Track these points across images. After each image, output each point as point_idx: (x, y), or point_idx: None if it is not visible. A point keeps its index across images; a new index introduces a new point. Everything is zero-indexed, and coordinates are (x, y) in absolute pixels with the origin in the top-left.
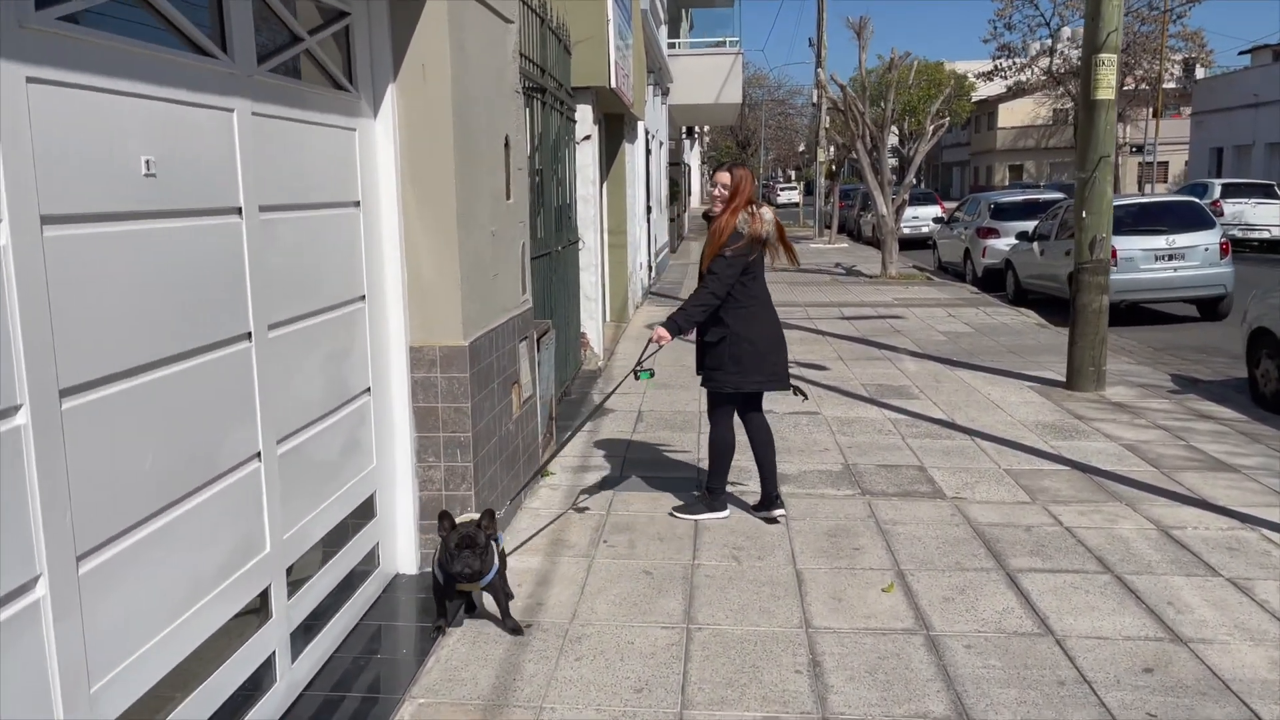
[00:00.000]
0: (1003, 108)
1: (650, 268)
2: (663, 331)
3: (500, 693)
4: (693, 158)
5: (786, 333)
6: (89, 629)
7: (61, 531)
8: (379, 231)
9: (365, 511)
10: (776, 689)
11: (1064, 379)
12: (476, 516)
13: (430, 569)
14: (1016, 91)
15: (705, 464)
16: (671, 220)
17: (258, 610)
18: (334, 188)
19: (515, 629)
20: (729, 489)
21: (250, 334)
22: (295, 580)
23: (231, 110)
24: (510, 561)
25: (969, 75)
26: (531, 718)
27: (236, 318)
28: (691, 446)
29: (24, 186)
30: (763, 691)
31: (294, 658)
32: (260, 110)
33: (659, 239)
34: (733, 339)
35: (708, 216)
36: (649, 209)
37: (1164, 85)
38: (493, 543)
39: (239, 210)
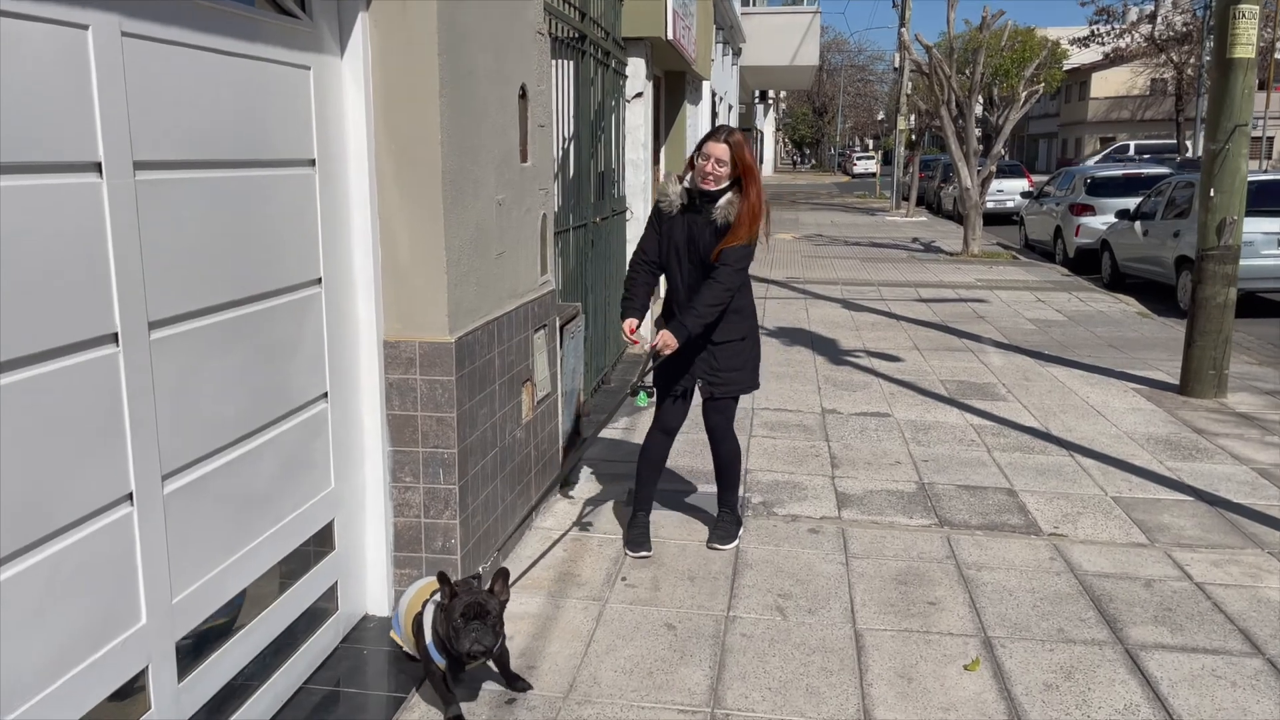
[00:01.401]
0: (1096, 77)
1: None
2: (669, 339)
3: None
4: (766, 124)
5: (856, 314)
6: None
7: None
8: (344, 199)
9: (319, 543)
10: None
11: (1176, 382)
12: (479, 577)
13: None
14: (1114, 59)
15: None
16: None
17: (134, 696)
18: (275, 140)
19: (520, 683)
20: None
21: (116, 336)
22: (197, 652)
23: (85, 27)
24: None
25: (1062, 41)
26: None
27: (91, 316)
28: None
29: None
30: None
31: None
32: (136, 30)
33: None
34: (753, 335)
35: (696, 195)
36: None
37: (1275, 55)
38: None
39: (97, 166)
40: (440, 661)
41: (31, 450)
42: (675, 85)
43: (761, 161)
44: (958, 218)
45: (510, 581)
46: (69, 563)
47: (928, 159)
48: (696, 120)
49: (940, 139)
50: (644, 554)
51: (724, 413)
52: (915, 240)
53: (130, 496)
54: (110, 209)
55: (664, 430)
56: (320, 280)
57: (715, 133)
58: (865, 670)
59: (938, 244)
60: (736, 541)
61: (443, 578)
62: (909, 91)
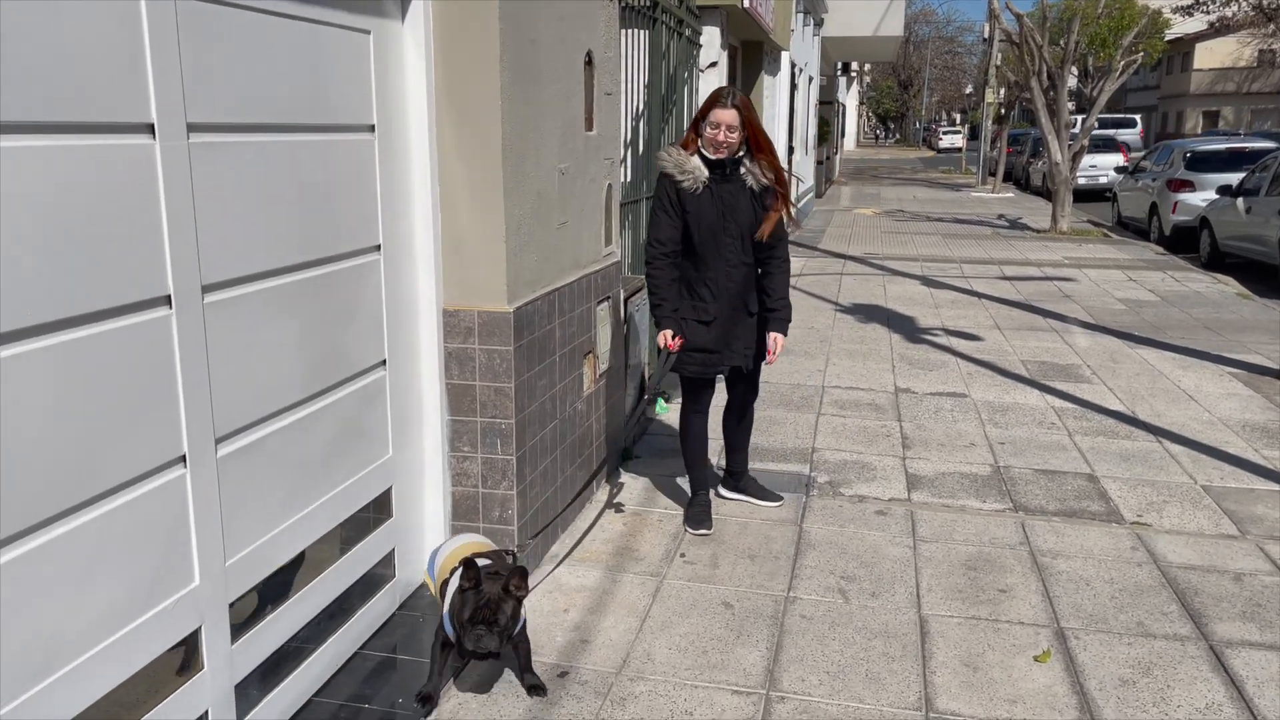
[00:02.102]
0: (1200, 47)
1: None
2: (782, 341)
3: None
4: (848, 97)
5: (936, 291)
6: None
7: None
8: (405, 166)
9: (377, 511)
10: None
11: (1277, 366)
12: (505, 555)
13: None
14: (1220, 28)
15: (816, 455)
16: (819, 163)
17: (186, 658)
18: (335, 105)
19: (536, 687)
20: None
21: (169, 299)
22: (250, 615)
23: None
24: (562, 575)
25: (1163, 10)
26: None
27: (145, 279)
28: (807, 432)
29: None
30: None
31: (245, 713)
32: None
33: (802, 183)
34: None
35: (727, 165)
36: (790, 150)
37: None
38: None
39: (150, 128)
40: (450, 633)
41: (82, 409)
42: (753, 56)
43: (843, 135)
44: (1046, 194)
45: (566, 555)
46: (120, 522)
47: (1016, 133)
48: (774, 92)
49: (1030, 112)
50: (704, 531)
51: (756, 379)
52: (1001, 217)
53: (183, 459)
54: (163, 171)
55: (699, 411)
56: (379, 247)
57: (720, 97)
58: (929, 657)
59: (1024, 221)
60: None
61: (469, 564)
62: (998, 63)
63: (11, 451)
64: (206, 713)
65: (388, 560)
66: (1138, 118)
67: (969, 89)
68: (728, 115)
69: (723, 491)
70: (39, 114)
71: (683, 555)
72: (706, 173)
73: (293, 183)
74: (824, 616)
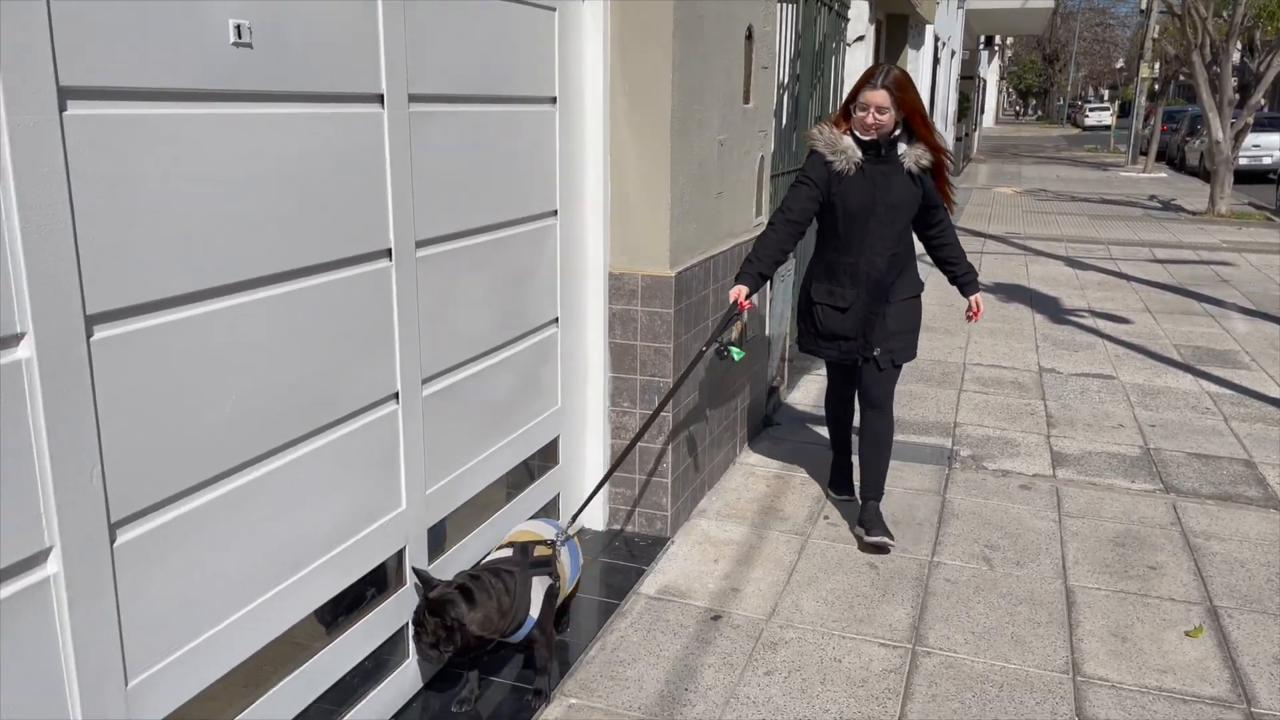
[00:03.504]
0: None
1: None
2: (981, 304)
3: (667, 705)
4: (989, 72)
5: (1081, 273)
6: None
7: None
8: (580, 136)
9: (546, 458)
10: None
11: None
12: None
13: (616, 527)
14: None
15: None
16: (957, 139)
17: (391, 576)
18: (523, 79)
19: (538, 691)
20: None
21: (390, 251)
22: (443, 540)
23: None
24: (710, 529)
25: None
26: None
27: (370, 232)
28: (949, 407)
29: (30, 47)
30: None
31: None
32: None
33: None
34: (920, 293)
35: (883, 145)
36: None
37: None
38: (536, 580)
39: (380, 98)
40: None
41: (321, 345)
42: (897, 29)
43: (982, 112)
44: (1203, 174)
45: (716, 512)
46: (348, 447)
47: (1172, 110)
48: (918, 66)
49: (1188, 89)
50: (846, 497)
51: (890, 382)
52: (1153, 198)
53: (396, 395)
54: (389, 137)
55: (841, 397)
56: (556, 212)
57: (870, 77)
58: (1075, 625)
59: (1178, 202)
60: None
61: (416, 571)
62: (1155, 35)
63: (272, 375)
64: (405, 626)
65: (553, 504)
66: None
67: (1120, 63)
68: (877, 97)
69: (830, 492)
70: (294, 84)
71: (826, 517)
72: (860, 154)
73: (488, 150)
74: (968, 581)
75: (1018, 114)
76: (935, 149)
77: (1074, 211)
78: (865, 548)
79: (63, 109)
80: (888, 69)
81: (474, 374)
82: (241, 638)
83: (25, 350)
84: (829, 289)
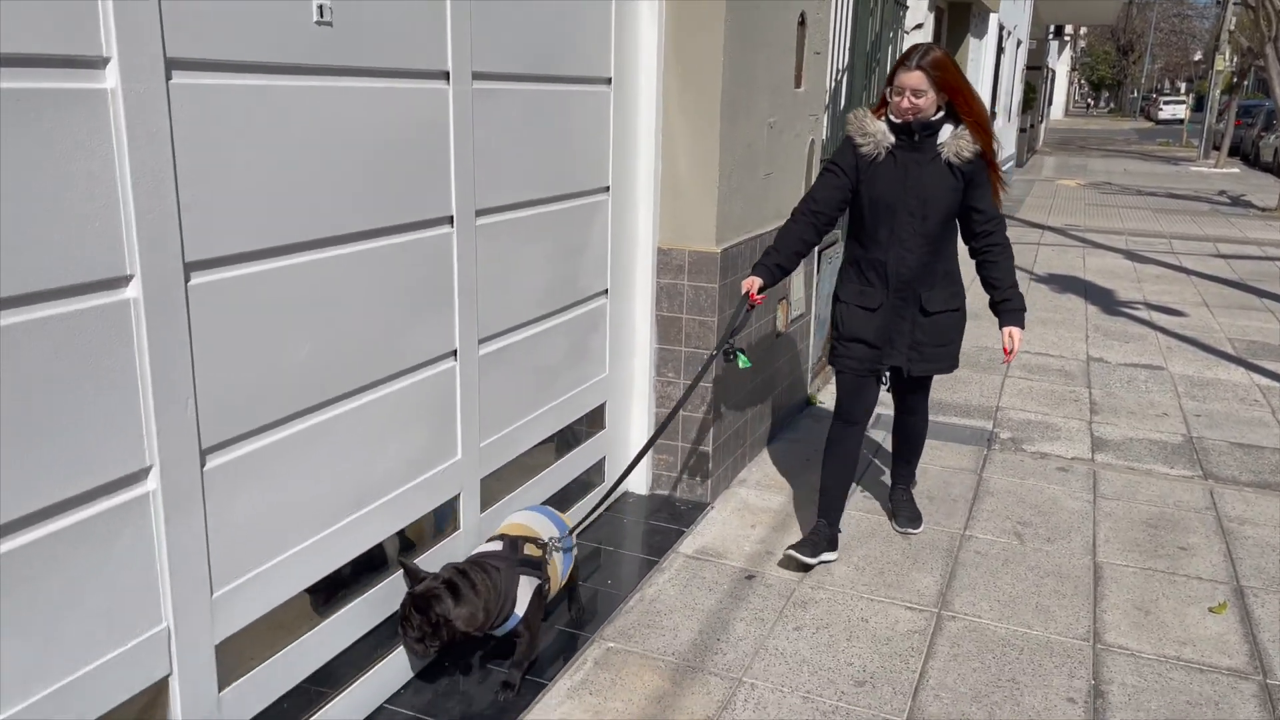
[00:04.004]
0: None
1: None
2: (1020, 335)
3: (699, 653)
4: (1059, 62)
5: (1139, 266)
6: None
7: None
8: (633, 116)
9: (593, 423)
10: (1038, 718)
11: None
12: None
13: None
14: None
15: (1000, 413)
16: (1022, 130)
17: (448, 521)
18: (580, 60)
19: (506, 683)
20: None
21: (451, 219)
22: (495, 492)
23: None
24: (749, 497)
25: None
26: (726, 690)
27: (434, 199)
28: (992, 392)
29: (143, 23)
30: (1018, 717)
31: None
32: None
33: (1002, 150)
34: (964, 306)
35: (917, 129)
36: (993, 115)
37: None
38: (524, 578)
39: (445, 75)
40: None
41: (387, 302)
42: (959, 17)
43: (1050, 103)
44: (1276, 170)
45: (752, 481)
46: (411, 397)
47: (1248, 104)
48: (980, 55)
49: (1265, 82)
50: (805, 559)
51: (925, 390)
52: (1222, 193)
53: (454, 353)
54: (454, 111)
55: (849, 420)
56: (608, 188)
57: (906, 58)
58: (1100, 598)
59: (1248, 198)
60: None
61: (404, 565)
62: (1231, 27)
63: (343, 326)
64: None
65: (599, 467)
66: None
67: (1198, 55)
68: (912, 78)
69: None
70: (370, 59)
71: (862, 490)
72: (891, 139)
73: (545, 126)
74: (998, 554)
75: (1088, 106)
76: (983, 136)
77: (1138, 205)
78: (896, 530)
79: (169, 78)
80: (926, 49)
81: (527, 338)
82: (310, 563)
83: (134, 290)
84: (859, 289)
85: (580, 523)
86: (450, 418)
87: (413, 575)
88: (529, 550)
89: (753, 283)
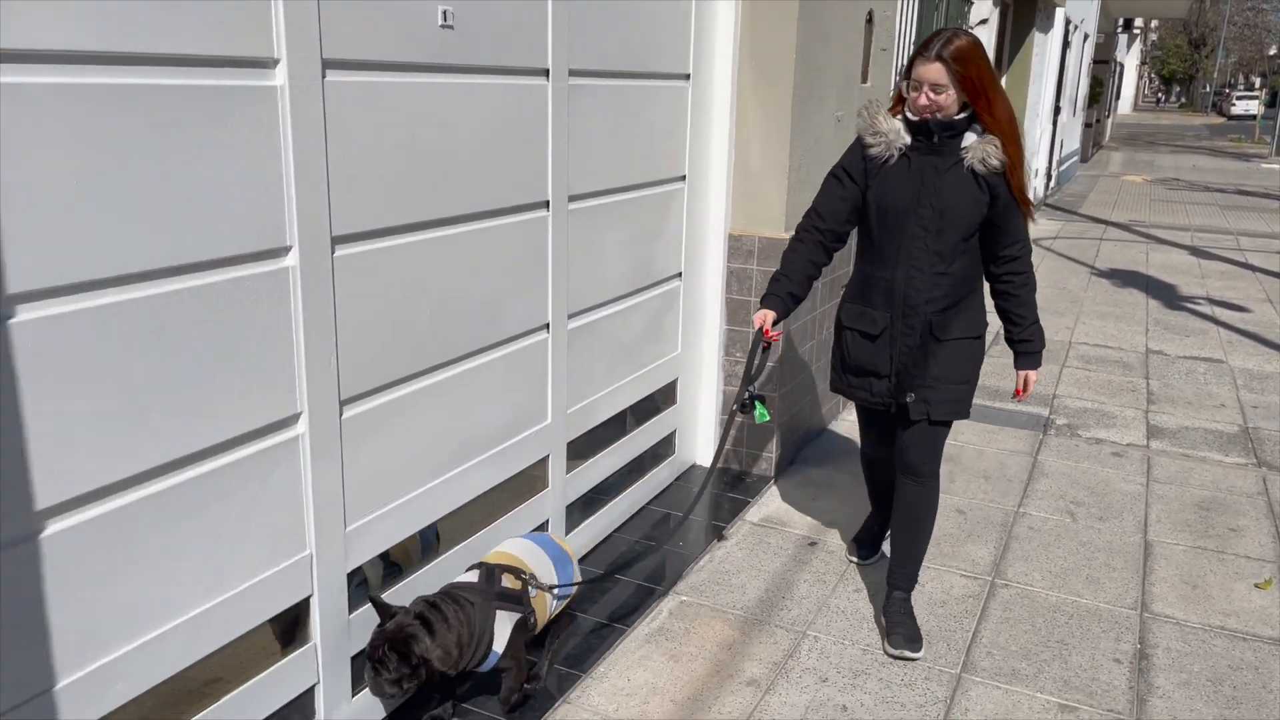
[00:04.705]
0: None
1: (1050, 175)
2: (1034, 377)
3: (766, 608)
4: (1128, 56)
5: (1204, 262)
6: None
7: (326, 374)
8: (708, 109)
9: (665, 397)
10: (1084, 674)
11: None
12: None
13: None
14: None
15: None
16: (1087, 125)
17: (536, 479)
18: (661, 57)
19: (507, 707)
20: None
21: (547, 203)
22: (578, 455)
23: None
24: (811, 471)
25: None
26: (791, 642)
27: (533, 185)
28: (1049, 381)
29: (305, 29)
30: (1065, 674)
31: (568, 530)
32: None
33: (1066, 144)
34: (983, 334)
35: (935, 129)
36: (1057, 110)
37: None
38: (501, 614)
39: (545, 73)
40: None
41: (491, 277)
42: (1025, 12)
43: (1118, 97)
44: None
45: (811, 462)
46: (508, 365)
47: None
48: (1045, 50)
49: None
50: (854, 559)
51: (934, 442)
52: None
53: (546, 326)
54: (552, 105)
55: (872, 455)
56: (684, 177)
57: (925, 46)
58: (1149, 573)
59: None
60: (923, 650)
61: (373, 599)
62: None
63: (456, 297)
64: (547, 521)
65: (669, 440)
66: None
67: (1273, 50)
68: (930, 71)
69: (850, 555)
70: (483, 59)
71: None
72: (906, 139)
73: (629, 119)
74: (1050, 530)
75: (1158, 101)
76: (1010, 144)
77: (1205, 201)
78: (889, 654)
79: (324, 76)
80: (949, 35)
81: (610, 315)
82: (424, 508)
83: (292, 259)
84: (860, 310)
85: (572, 586)
86: (542, 385)
87: (383, 610)
88: (507, 582)
89: (765, 316)
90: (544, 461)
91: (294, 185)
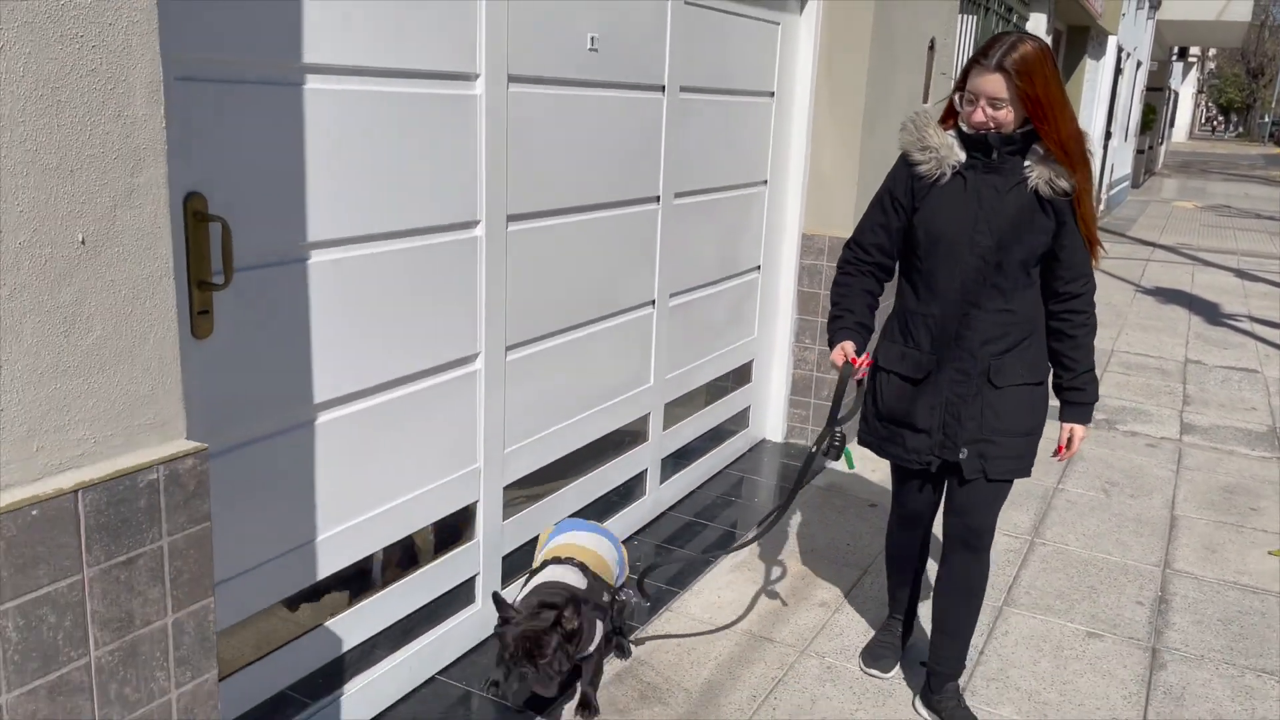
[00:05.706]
0: None
1: (1099, 200)
2: (1082, 432)
3: (833, 550)
4: (1183, 84)
5: (1248, 283)
6: None
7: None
8: (788, 123)
9: (741, 376)
10: (1110, 612)
11: None
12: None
13: (800, 445)
14: None
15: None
16: (1139, 152)
17: (638, 433)
18: (752, 77)
19: (585, 705)
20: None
21: (658, 198)
22: (672, 416)
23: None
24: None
25: None
26: (856, 575)
27: (648, 182)
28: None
29: (498, 50)
30: (1094, 610)
31: (662, 480)
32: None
33: (1117, 169)
34: (1046, 379)
35: (996, 146)
36: (1108, 135)
37: None
38: (594, 616)
39: (662, 88)
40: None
41: (612, 257)
42: (1077, 40)
43: (1172, 125)
44: None
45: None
46: (623, 332)
47: None
48: (1096, 77)
49: None
50: (874, 673)
51: (992, 505)
52: None
53: (652, 302)
54: (666, 116)
55: (908, 520)
56: (766, 181)
57: (985, 53)
58: (1173, 540)
59: None
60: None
61: (497, 599)
62: None
63: (586, 271)
64: (645, 471)
65: (744, 414)
66: None
67: None
68: (988, 84)
69: (918, 708)
70: (618, 76)
71: None
72: (961, 155)
73: (722, 129)
74: (1086, 503)
75: (1214, 129)
76: (1076, 165)
77: (1255, 229)
78: None
79: (508, 87)
80: (1012, 40)
81: (701, 297)
82: (562, 440)
83: (480, 231)
84: (901, 350)
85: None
86: (647, 352)
87: (501, 607)
88: (605, 597)
89: (846, 348)
90: (645, 418)
91: (485, 172)
